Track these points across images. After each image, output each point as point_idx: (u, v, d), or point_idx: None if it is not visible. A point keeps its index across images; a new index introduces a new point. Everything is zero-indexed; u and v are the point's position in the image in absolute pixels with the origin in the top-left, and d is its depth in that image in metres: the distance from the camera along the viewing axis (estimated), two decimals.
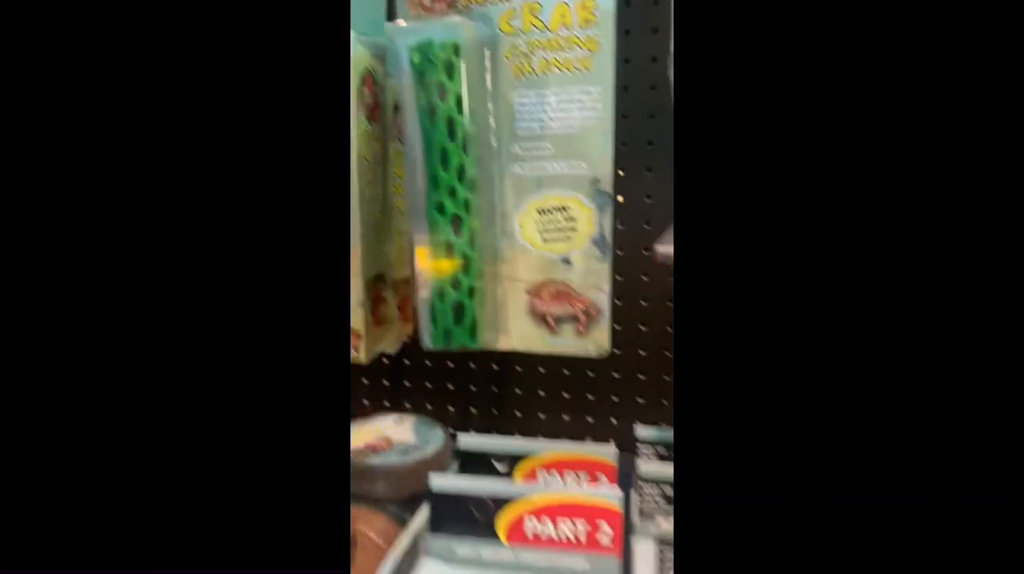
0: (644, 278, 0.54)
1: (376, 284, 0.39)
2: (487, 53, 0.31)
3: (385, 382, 0.61)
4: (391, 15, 0.36)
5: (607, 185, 0.33)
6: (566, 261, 0.34)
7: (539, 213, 0.34)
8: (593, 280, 0.34)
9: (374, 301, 0.40)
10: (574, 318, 0.35)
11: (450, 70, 0.30)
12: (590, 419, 0.59)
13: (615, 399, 0.57)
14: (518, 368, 0.57)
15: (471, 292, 0.33)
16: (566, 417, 0.59)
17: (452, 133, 0.31)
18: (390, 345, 0.43)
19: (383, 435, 0.44)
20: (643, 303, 0.54)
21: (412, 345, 0.58)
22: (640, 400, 0.58)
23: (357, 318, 0.38)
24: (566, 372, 0.57)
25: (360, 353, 0.39)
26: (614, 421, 0.58)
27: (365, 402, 0.61)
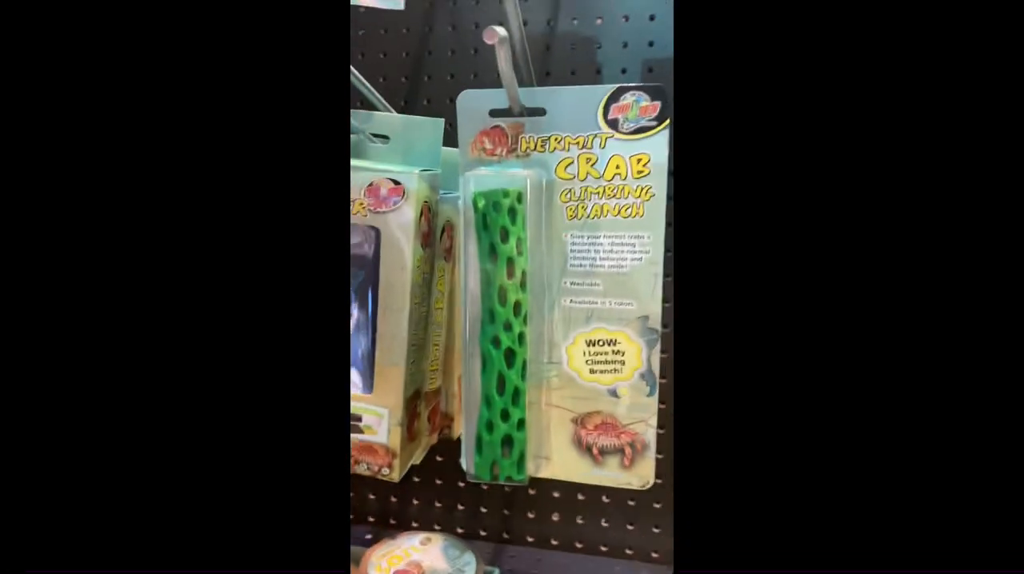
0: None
1: (413, 401, 0.40)
2: (544, 196, 0.34)
3: (415, 501, 0.60)
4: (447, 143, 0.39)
5: (655, 322, 0.34)
6: (613, 393, 0.35)
7: (588, 344, 0.35)
8: (640, 414, 0.35)
9: (410, 417, 0.40)
10: (620, 450, 0.35)
11: (513, 215, 0.32)
12: (629, 551, 0.56)
13: (655, 531, 0.55)
14: (556, 494, 0.56)
15: (520, 424, 0.34)
16: (604, 548, 0.56)
17: (511, 272, 0.33)
18: (419, 457, 0.43)
19: (412, 560, 0.43)
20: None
21: (444, 464, 0.57)
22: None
23: (395, 438, 0.38)
24: (606, 500, 0.55)
25: (394, 471, 0.39)
26: (655, 554, 0.55)
27: (392, 521, 0.59)
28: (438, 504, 0.59)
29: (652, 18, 0.52)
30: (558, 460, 0.36)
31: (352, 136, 0.38)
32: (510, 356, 0.33)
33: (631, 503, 0.55)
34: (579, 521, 0.56)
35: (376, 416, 0.38)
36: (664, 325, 0.52)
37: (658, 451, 0.39)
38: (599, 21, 0.53)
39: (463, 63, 0.55)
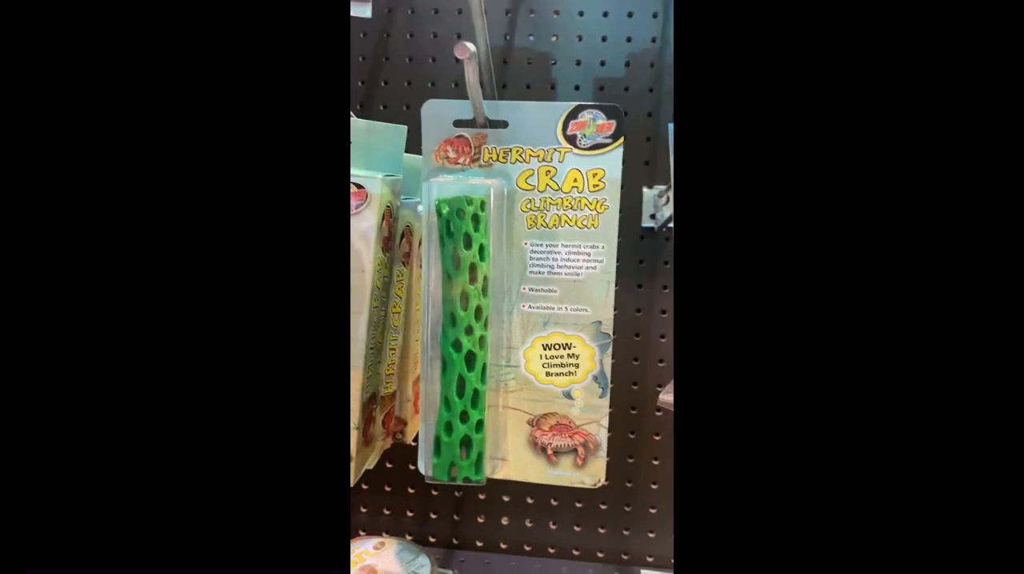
0: (633, 411, 0.55)
1: (369, 405, 0.40)
2: (506, 205, 0.35)
3: (363, 509, 0.59)
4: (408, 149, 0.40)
5: (608, 327, 0.36)
6: (568, 395, 0.36)
7: (544, 348, 0.36)
8: (592, 415, 0.36)
9: (366, 422, 0.40)
10: (573, 450, 0.36)
11: (476, 222, 0.34)
12: (576, 551, 0.58)
13: (601, 531, 0.57)
14: (505, 498, 0.57)
15: (479, 426, 0.35)
16: (552, 550, 0.58)
17: (474, 278, 0.34)
18: (372, 462, 0.43)
19: (366, 565, 0.43)
20: (631, 436, 0.55)
21: (394, 470, 0.57)
22: (626, 532, 0.57)
23: (351, 441, 0.38)
24: (554, 502, 0.57)
25: (350, 475, 0.39)
26: (600, 554, 0.57)
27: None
28: (387, 510, 0.58)
29: (604, 39, 0.55)
30: (514, 461, 0.37)
31: None
32: (470, 359, 0.34)
33: (579, 505, 0.57)
34: (528, 524, 0.57)
35: None
36: (636, 334, 0.54)
37: (606, 453, 0.41)
38: (554, 39, 0.55)
39: (420, 70, 0.56)
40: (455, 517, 0.58)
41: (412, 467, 0.41)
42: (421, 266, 0.36)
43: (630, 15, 0.54)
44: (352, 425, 0.38)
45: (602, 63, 0.55)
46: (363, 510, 0.59)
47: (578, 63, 0.55)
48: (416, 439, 0.39)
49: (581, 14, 0.55)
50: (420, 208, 0.37)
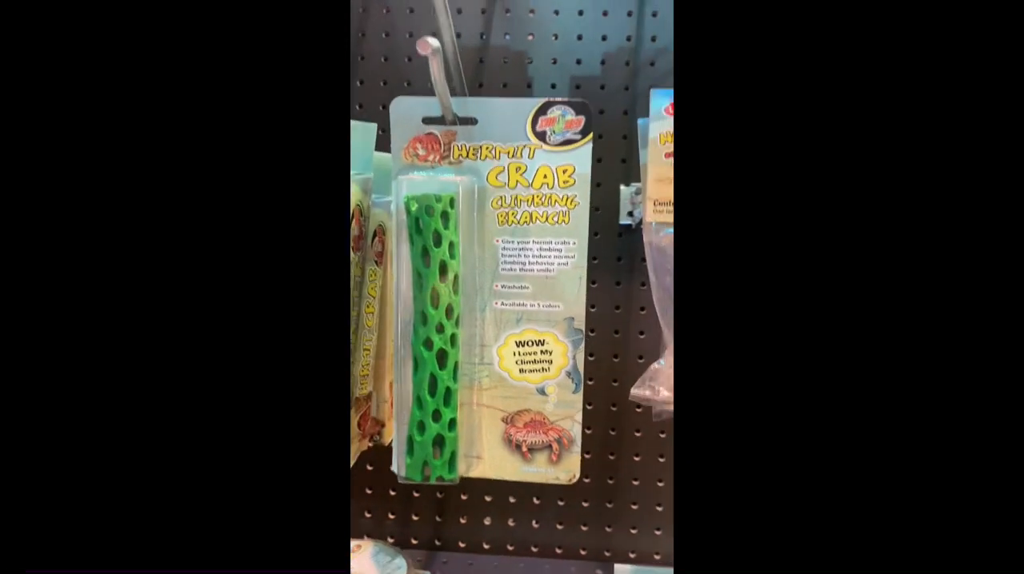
0: (613, 408, 0.56)
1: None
2: (476, 202, 0.35)
3: (391, 515, 0.59)
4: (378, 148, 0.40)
5: (580, 323, 0.36)
6: (542, 392, 0.36)
7: (517, 345, 0.36)
8: (566, 410, 0.36)
9: None
10: (547, 446, 0.36)
11: (446, 219, 0.33)
12: (558, 550, 0.57)
13: (584, 528, 0.57)
14: (487, 498, 0.57)
15: (451, 424, 0.35)
16: (534, 548, 0.58)
17: (444, 275, 0.34)
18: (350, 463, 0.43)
19: None
20: (611, 432, 0.55)
21: (374, 472, 0.57)
22: (608, 529, 0.57)
23: None
24: (536, 501, 0.57)
25: None
26: (583, 551, 0.57)
27: None
28: (368, 513, 0.58)
29: (579, 38, 0.55)
30: (489, 459, 0.37)
31: None
32: (442, 357, 0.34)
33: (561, 503, 0.57)
34: (511, 523, 0.57)
35: None
36: (615, 331, 0.54)
37: (584, 450, 0.41)
38: (530, 38, 0.55)
39: (396, 70, 0.56)
40: (437, 518, 0.58)
41: (391, 469, 0.41)
42: (392, 264, 0.36)
43: (605, 14, 0.55)
44: None
45: (578, 61, 0.55)
46: (367, 514, 0.58)
47: (554, 61, 0.55)
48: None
49: (556, 13, 0.55)
50: (392, 207, 0.36)
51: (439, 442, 0.35)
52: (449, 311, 0.34)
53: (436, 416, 0.34)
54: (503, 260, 0.35)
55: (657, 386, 0.35)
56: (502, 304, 0.36)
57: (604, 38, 0.55)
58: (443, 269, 0.34)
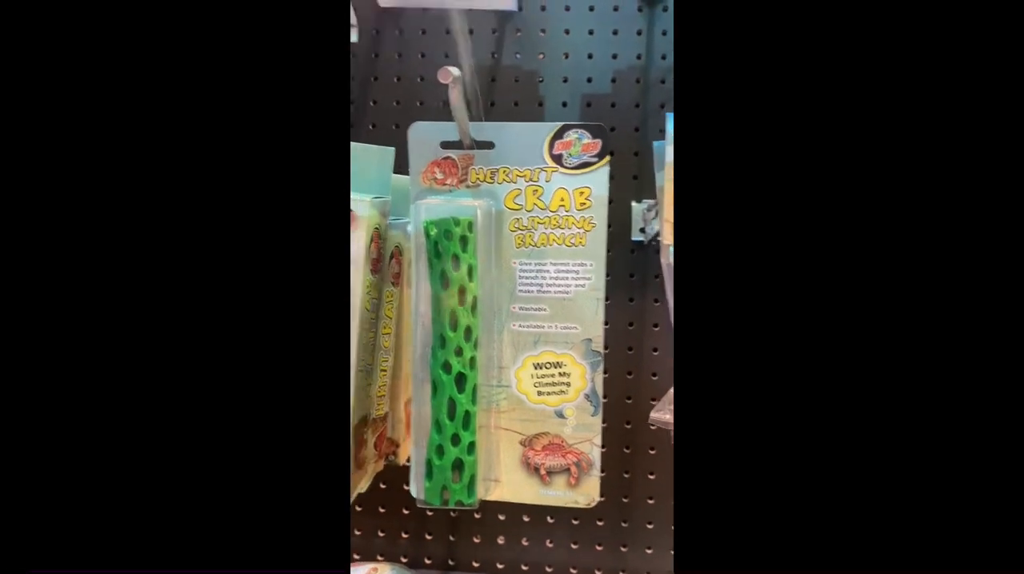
0: (627, 426, 0.55)
1: (360, 427, 0.40)
2: (494, 225, 0.35)
3: (357, 531, 0.59)
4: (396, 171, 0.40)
5: (598, 345, 0.36)
6: (560, 414, 0.36)
7: (535, 367, 0.36)
8: (585, 433, 0.36)
9: (357, 445, 0.40)
10: (566, 470, 0.36)
11: (464, 243, 0.34)
12: (574, 571, 0.57)
13: (598, 548, 0.56)
14: (501, 517, 0.57)
15: (471, 448, 0.34)
16: (549, 569, 0.57)
17: (463, 298, 0.34)
18: (364, 486, 0.43)
19: None
20: (626, 450, 0.55)
21: (387, 492, 0.57)
22: (623, 549, 0.57)
23: None
24: (550, 520, 0.56)
25: None
26: (598, 572, 0.57)
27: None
28: (381, 533, 0.58)
29: (590, 56, 0.55)
30: (507, 482, 0.37)
31: None
32: (461, 380, 0.34)
33: (575, 522, 0.56)
34: (524, 543, 0.57)
35: None
36: (629, 348, 0.54)
37: (600, 469, 0.40)
38: (541, 57, 0.56)
39: (409, 90, 0.56)
40: (450, 538, 0.57)
41: (406, 488, 0.41)
42: (410, 287, 0.36)
43: (615, 32, 0.55)
44: None
45: (589, 80, 0.56)
46: (357, 533, 0.58)
47: (565, 80, 0.56)
48: (409, 460, 0.39)
49: (567, 32, 0.55)
50: (409, 229, 0.37)
51: (458, 466, 0.34)
52: (468, 334, 0.34)
53: (455, 440, 0.34)
54: (520, 282, 0.35)
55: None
56: (520, 326, 0.36)
57: (615, 56, 0.55)
58: (462, 292, 0.34)
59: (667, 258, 0.35)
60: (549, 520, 0.56)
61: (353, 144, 0.38)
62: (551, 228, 0.35)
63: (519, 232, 0.35)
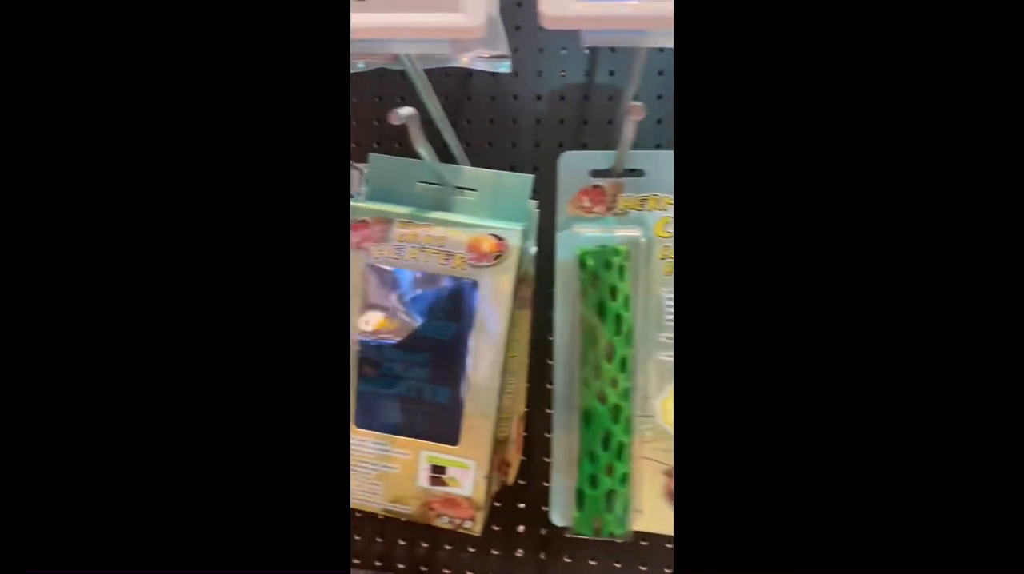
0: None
1: (496, 452, 0.40)
2: (643, 253, 0.35)
3: (495, 551, 0.58)
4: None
5: None
6: None
7: None
8: None
9: (493, 466, 0.40)
10: None
11: (621, 273, 0.33)
12: None
13: (642, 569, 0.56)
14: (592, 562, 0.56)
15: (624, 479, 0.34)
16: None
17: (619, 328, 0.34)
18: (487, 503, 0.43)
19: None
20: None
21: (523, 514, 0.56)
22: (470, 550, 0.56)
23: (480, 491, 0.38)
24: (644, 543, 0.55)
25: (476, 525, 0.38)
26: None
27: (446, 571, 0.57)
28: (495, 551, 0.57)
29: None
30: (649, 513, 0.36)
31: (438, 187, 0.38)
32: (616, 411, 0.34)
33: (668, 546, 0.55)
34: (615, 565, 0.56)
35: (462, 468, 0.37)
36: None
37: None
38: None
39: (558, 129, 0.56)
40: (541, 556, 0.57)
41: (552, 518, 0.40)
42: (529, 307, 0.36)
43: None
44: (481, 474, 0.37)
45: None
46: (494, 552, 0.58)
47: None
48: (516, 481, 0.38)
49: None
50: (532, 250, 0.36)
51: (611, 497, 0.34)
52: (623, 364, 0.34)
53: (609, 470, 0.34)
54: (668, 311, 0.35)
55: None
56: (666, 356, 0.35)
57: None
58: (618, 322, 0.34)
59: None
60: (643, 543, 0.55)
61: (491, 172, 0.38)
62: None
63: (668, 260, 0.35)
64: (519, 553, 0.57)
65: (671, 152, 0.35)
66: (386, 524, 0.60)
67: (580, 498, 0.34)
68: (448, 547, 0.58)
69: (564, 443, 0.36)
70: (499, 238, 0.35)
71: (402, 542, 0.58)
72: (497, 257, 0.35)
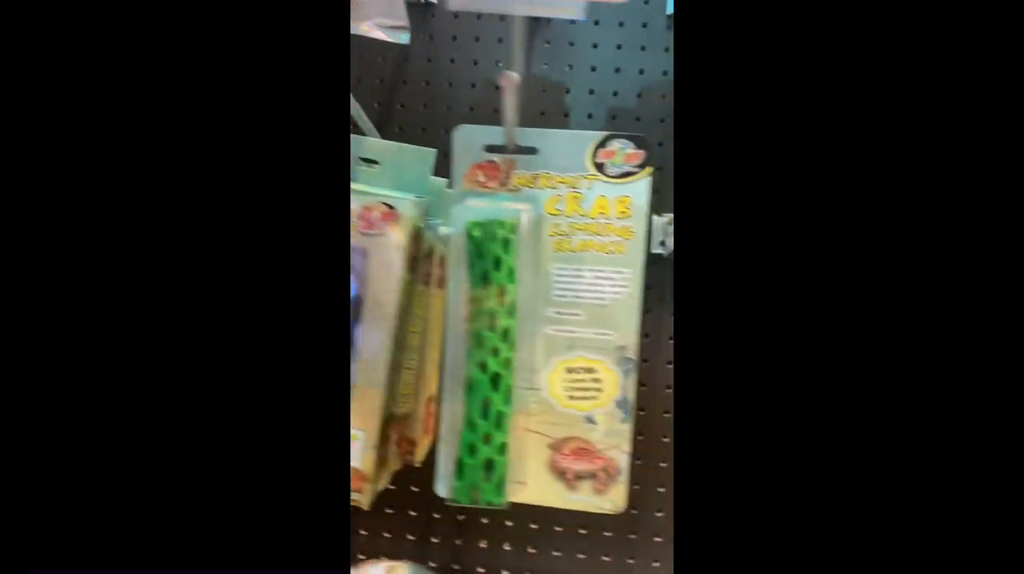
0: (664, 439, 0.55)
1: (386, 425, 0.40)
2: (533, 229, 0.36)
3: (386, 533, 0.58)
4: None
5: (632, 353, 0.36)
6: (590, 420, 0.36)
7: (567, 371, 0.36)
8: (614, 440, 0.36)
9: (381, 442, 0.40)
10: (593, 475, 0.36)
11: (506, 245, 0.34)
12: None
13: (630, 561, 0.56)
14: (533, 526, 0.56)
15: (502, 448, 0.35)
16: None
17: (502, 299, 0.34)
18: (383, 484, 0.43)
19: None
20: (637, 462, 0.55)
21: (419, 495, 0.57)
22: (630, 561, 0.57)
23: (368, 462, 0.38)
24: (582, 531, 0.56)
25: (364, 497, 0.38)
26: None
27: (360, 556, 0.57)
28: (387, 534, 0.57)
29: (617, 70, 0.56)
30: (534, 485, 0.37)
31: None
32: (496, 380, 0.34)
33: (582, 532, 0.56)
34: (555, 553, 0.56)
35: (350, 438, 0.37)
36: (644, 359, 0.54)
37: (635, 482, 0.40)
38: (568, 68, 0.57)
39: (438, 95, 0.57)
40: (456, 542, 0.57)
41: (414, 489, 0.41)
42: (443, 286, 0.36)
43: (643, 48, 0.56)
44: (370, 445, 0.37)
45: (615, 93, 0.56)
46: (363, 532, 0.58)
47: (591, 92, 0.56)
48: (423, 461, 0.39)
49: (595, 46, 0.56)
50: (441, 230, 0.37)
51: (489, 466, 0.35)
52: (505, 334, 0.35)
53: (487, 439, 0.34)
54: (556, 287, 0.36)
55: None
56: (554, 330, 0.36)
57: (641, 71, 0.56)
58: (501, 293, 0.34)
59: None
60: (581, 531, 0.56)
61: (395, 143, 0.38)
62: (590, 235, 0.36)
63: (558, 237, 0.36)
64: (458, 542, 0.57)
65: (567, 131, 0.36)
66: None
67: (459, 467, 0.35)
68: (363, 532, 0.58)
69: (449, 415, 0.36)
70: (390, 207, 0.35)
71: None
72: (386, 227, 0.35)
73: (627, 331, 0.36)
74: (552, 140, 0.35)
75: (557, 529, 0.57)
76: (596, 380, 0.36)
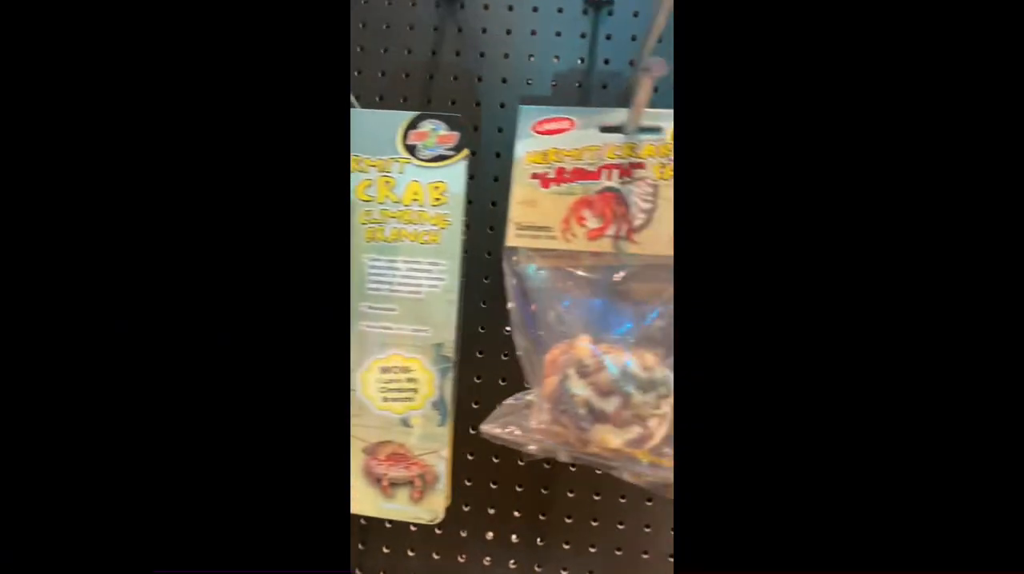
0: (472, 431, 0.52)
1: None
2: None
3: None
4: None
5: (449, 350, 0.33)
6: (405, 423, 0.34)
7: (382, 371, 0.34)
8: (431, 444, 0.34)
9: None
10: (410, 482, 0.34)
11: None
12: None
13: (460, 559, 0.53)
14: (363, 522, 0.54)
15: None
16: None
17: None
18: None
19: None
20: (470, 457, 0.52)
21: None
22: (461, 558, 0.54)
23: None
24: (388, 526, 0.53)
25: None
26: None
27: None
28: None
29: (531, 57, 0.53)
30: (352, 491, 0.34)
31: None
32: None
33: (413, 529, 0.53)
34: (360, 547, 0.54)
35: None
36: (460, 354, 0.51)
37: (456, 478, 0.37)
38: (481, 56, 0.54)
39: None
40: (360, 546, 0.55)
41: None
42: None
43: (558, 34, 0.53)
44: None
45: (528, 82, 0.54)
46: None
47: (504, 80, 0.54)
48: None
49: (509, 32, 0.53)
50: None
51: None
52: None
53: None
54: (370, 279, 0.33)
55: (514, 426, 0.31)
56: (368, 326, 0.34)
57: (556, 58, 0.53)
58: None
59: (508, 263, 0.32)
60: (387, 525, 0.53)
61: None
62: (404, 223, 0.33)
63: (370, 225, 0.33)
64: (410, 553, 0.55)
65: (374, 111, 0.33)
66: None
67: None
68: None
69: None
70: None
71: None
72: None
73: (444, 327, 0.33)
74: (361, 120, 0.33)
75: (362, 522, 0.54)
76: (412, 380, 0.33)
